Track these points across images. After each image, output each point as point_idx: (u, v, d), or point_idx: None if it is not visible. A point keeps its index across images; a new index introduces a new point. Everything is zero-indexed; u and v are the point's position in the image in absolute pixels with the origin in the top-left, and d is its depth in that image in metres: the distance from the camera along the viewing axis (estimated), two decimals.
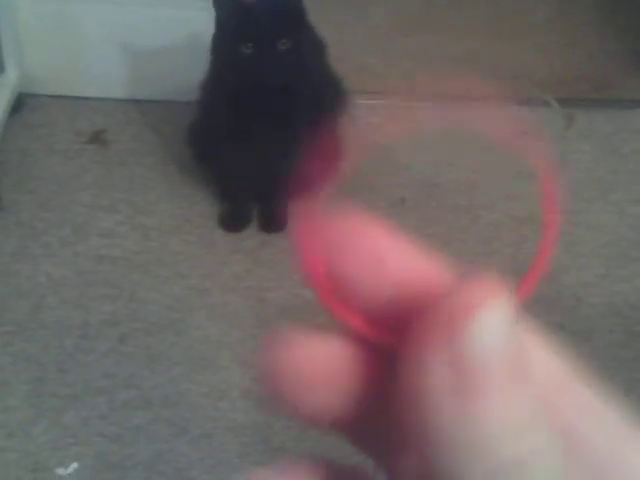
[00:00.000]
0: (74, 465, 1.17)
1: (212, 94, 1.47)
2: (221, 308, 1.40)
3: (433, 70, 2.01)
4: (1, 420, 1.22)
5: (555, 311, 1.43)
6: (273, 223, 1.55)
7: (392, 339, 0.19)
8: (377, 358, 0.20)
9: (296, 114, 1.40)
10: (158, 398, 1.26)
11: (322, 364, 0.19)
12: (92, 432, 1.21)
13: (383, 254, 0.20)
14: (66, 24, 1.70)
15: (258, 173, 1.50)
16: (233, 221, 1.55)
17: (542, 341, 0.20)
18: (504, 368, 0.17)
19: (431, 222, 1.61)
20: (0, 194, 1.53)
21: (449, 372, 0.17)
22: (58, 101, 1.75)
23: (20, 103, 1.71)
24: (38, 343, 1.32)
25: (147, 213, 1.55)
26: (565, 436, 0.18)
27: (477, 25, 2.20)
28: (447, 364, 0.17)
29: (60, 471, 1.16)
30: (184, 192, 1.60)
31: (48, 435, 1.21)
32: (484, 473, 0.17)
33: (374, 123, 1.81)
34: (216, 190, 1.58)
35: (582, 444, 0.19)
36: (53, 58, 1.74)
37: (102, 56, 1.74)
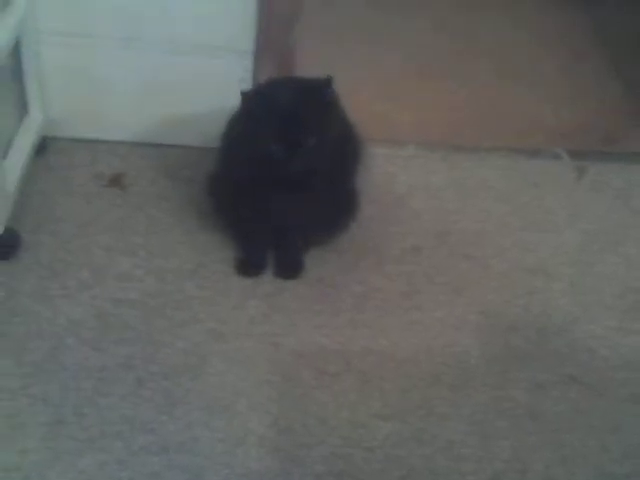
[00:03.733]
0: None
1: (235, 148, 1.49)
2: (237, 353, 1.41)
3: (446, 118, 2.06)
4: (17, 462, 1.23)
5: (568, 364, 1.45)
6: (288, 270, 1.57)
7: None
8: None
9: (314, 180, 1.43)
10: (174, 444, 1.26)
11: None
12: (108, 477, 1.22)
13: None
14: (88, 69, 1.74)
15: (275, 223, 1.52)
16: (249, 267, 1.57)
17: None
18: None
19: (443, 270, 1.63)
20: (21, 235, 1.55)
21: None
22: (79, 144, 1.79)
23: (43, 146, 1.75)
24: (56, 385, 1.33)
25: (164, 257, 1.58)
26: None
27: (490, 75, 2.25)
28: None
29: None
30: (201, 237, 1.63)
31: (64, 479, 1.21)
32: None
33: (389, 172, 1.85)
34: (233, 236, 1.61)
35: None
36: (75, 102, 1.78)
37: (123, 101, 1.78)
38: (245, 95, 1.39)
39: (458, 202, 1.80)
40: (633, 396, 1.41)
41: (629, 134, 2.09)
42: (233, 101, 1.42)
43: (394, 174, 1.85)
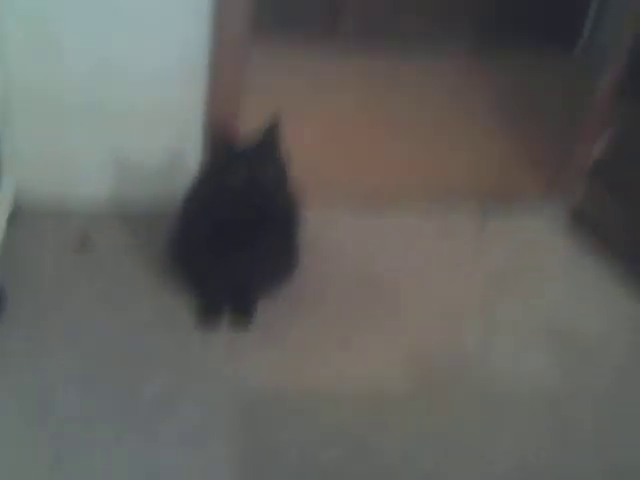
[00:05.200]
0: None
1: (194, 212, 1.73)
2: (200, 395, 1.63)
3: (372, 175, 2.33)
4: None
5: (481, 393, 1.72)
6: (243, 318, 1.81)
7: None
8: None
9: (266, 231, 1.68)
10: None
11: None
12: None
13: None
14: (58, 144, 1.93)
15: (231, 277, 1.76)
16: (207, 316, 1.80)
17: None
18: None
19: (370, 313, 1.88)
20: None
21: None
22: (48, 210, 1.97)
23: (14, 216, 1.91)
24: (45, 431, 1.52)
25: (130, 311, 1.78)
26: None
27: (405, 137, 2.52)
28: None
29: None
30: (162, 294, 1.84)
31: None
32: None
33: (321, 223, 2.10)
34: (193, 292, 1.83)
35: None
36: (46, 174, 1.97)
37: (90, 172, 1.98)
38: (212, 148, 1.64)
39: (383, 250, 2.07)
40: (536, 411, 1.70)
41: (526, 189, 2.38)
42: (191, 164, 1.64)
43: (326, 223, 2.08)
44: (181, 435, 1.55)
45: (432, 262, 2.07)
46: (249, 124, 2.16)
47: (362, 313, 1.88)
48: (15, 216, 1.93)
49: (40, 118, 1.89)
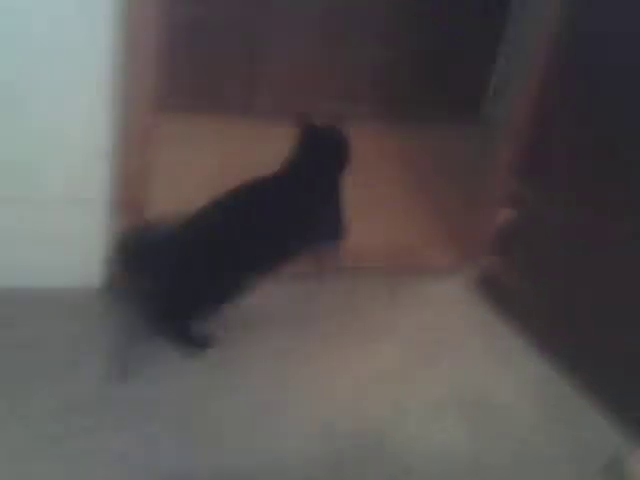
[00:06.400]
0: None
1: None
2: None
3: None
4: None
5: (395, 463, 1.73)
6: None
7: None
8: None
9: None
10: None
11: None
12: None
13: None
14: None
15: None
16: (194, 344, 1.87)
17: None
18: None
19: (284, 385, 1.87)
20: None
21: None
22: None
23: None
24: None
25: (34, 398, 1.73)
26: None
27: None
28: None
29: None
30: (71, 372, 1.79)
31: None
32: None
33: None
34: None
35: None
36: None
37: None
38: None
39: (294, 323, 2.09)
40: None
41: (431, 252, 2.46)
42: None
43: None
44: None
45: (342, 335, 2.09)
46: (162, 204, 2.21)
47: (279, 386, 1.88)
48: None
49: None
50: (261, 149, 2.85)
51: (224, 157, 2.77)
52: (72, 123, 1.84)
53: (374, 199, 2.67)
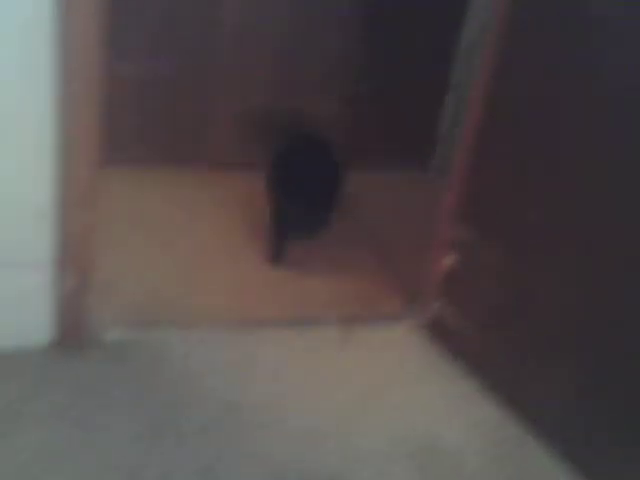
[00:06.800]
0: None
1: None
2: None
3: (231, 299, 2.37)
4: None
5: None
6: None
7: None
8: None
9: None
10: None
11: None
12: None
13: None
14: None
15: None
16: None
17: None
18: None
19: (236, 440, 1.88)
20: None
21: None
22: None
23: None
24: None
25: None
26: None
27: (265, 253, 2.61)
28: None
29: None
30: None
31: None
32: None
33: (184, 352, 2.12)
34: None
35: None
36: None
37: None
38: None
39: (246, 376, 2.09)
40: None
41: (386, 299, 2.49)
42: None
43: (187, 354, 2.12)
44: None
45: (293, 385, 2.10)
46: (110, 255, 2.22)
47: (226, 442, 1.87)
48: None
49: None
50: (213, 196, 2.89)
51: (176, 206, 2.79)
52: (12, 184, 1.84)
53: (322, 246, 2.71)
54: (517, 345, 2.08)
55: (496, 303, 2.14)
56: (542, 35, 1.91)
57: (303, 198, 2.49)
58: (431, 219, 2.37)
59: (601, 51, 1.77)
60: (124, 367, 2.04)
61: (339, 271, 2.61)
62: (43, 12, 1.68)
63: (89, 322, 2.05)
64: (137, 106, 2.93)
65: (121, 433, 1.83)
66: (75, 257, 1.94)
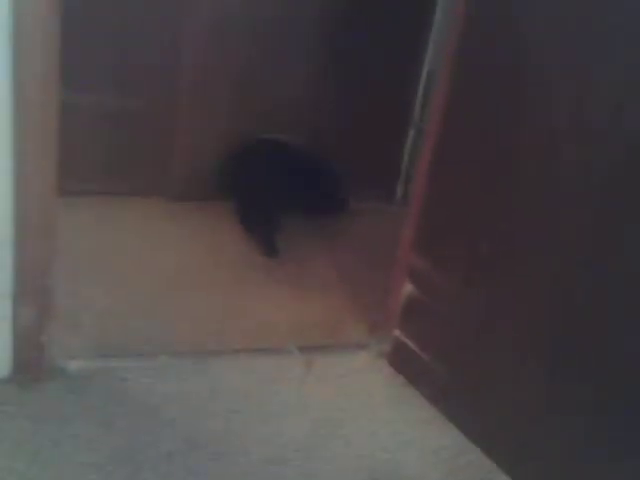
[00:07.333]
0: None
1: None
2: None
3: (191, 328, 2.38)
4: None
5: None
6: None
7: None
8: None
9: None
10: None
11: None
12: None
13: None
14: None
15: None
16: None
17: None
18: None
19: (197, 472, 1.88)
20: None
21: None
22: None
23: None
24: None
25: None
26: None
27: (228, 283, 2.63)
28: None
29: None
30: None
31: None
32: None
33: (143, 383, 2.11)
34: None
35: None
36: None
37: None
38: None
39: (208, 406, 2.08)
40: None
41: (349, 327, 2.51)
42: None
43: (147, 384, 2.11)
44: None
45: (258, 412, 2.11)
46: (73, 286, 2.22)
47: (187, 475, 1.86)
48: None
49: None
50: (178, 227, 2.91)
51: (140, 237, 2.80)
52: None
53: (284, 276, 2.73)
54: (475, 373, 2.10)
55: (450, 332, 2.16)
56: (488, 79, 1.96)
57: (260, 184, 2.89)
58: (395, 249, 2.40)
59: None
60: (84, 398, 2.02)
61: (303, 299, 2.63)
62: None
63: (49, 353, 2.03)
64: (103, 138, 2.95)
65: (80, 464, 1.82)
66: (34, 288, 1.93)
